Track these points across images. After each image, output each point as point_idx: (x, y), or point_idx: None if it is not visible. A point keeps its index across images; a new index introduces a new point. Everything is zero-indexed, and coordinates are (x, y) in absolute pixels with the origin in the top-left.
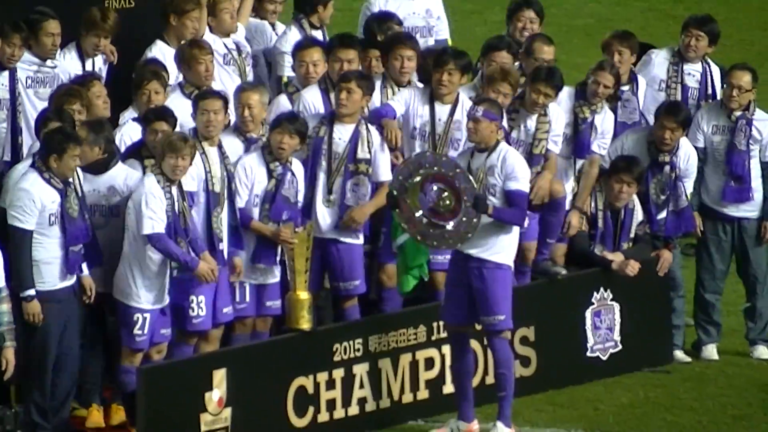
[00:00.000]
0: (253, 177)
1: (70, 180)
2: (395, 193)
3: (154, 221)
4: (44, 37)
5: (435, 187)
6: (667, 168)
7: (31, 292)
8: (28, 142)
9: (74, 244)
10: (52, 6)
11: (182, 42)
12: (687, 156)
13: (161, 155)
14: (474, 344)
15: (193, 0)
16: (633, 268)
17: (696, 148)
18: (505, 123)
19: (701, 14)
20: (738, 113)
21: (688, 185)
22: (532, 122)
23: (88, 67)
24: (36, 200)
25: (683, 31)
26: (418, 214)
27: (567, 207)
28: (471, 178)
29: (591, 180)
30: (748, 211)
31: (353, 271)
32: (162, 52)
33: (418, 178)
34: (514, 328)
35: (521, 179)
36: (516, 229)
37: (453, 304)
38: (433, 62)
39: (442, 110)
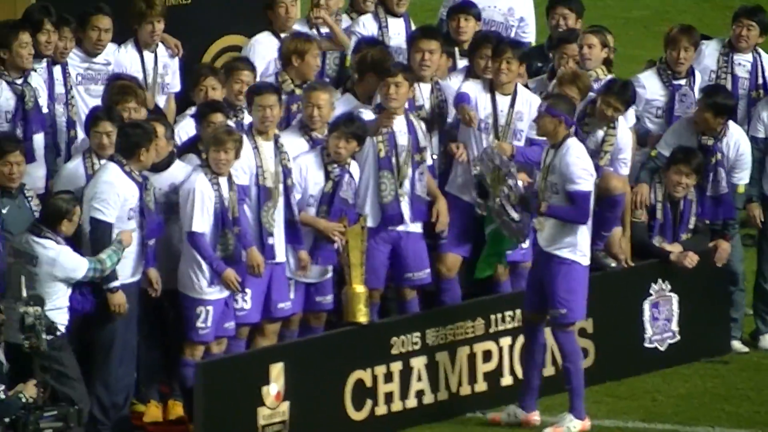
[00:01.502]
0: (308, 176)
1: (147, 175)
2: (482, 182)
3: (197, 219)
4: (90, 31)
5: (509, 182)
6: (710, 153)
7: (117, 283)
8: (81, 137)
9: (151, 238)
10: (109, 3)
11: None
12: (736, 145)
13: (207, 149)
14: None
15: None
16: (691, 259)
17: (757, 138)
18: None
19: (752, 5)
20: None
21: (740, 175)
22: (600, 132)
23: (148, 61)
24: (120, 193)
25: (734, 22)
26: (498, 203)
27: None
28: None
29: (632, 143)
30: None
31: (423, 260)
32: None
33: (496, 172)
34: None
35: (578, 180)
36: (584, 226)
37: (530, 291)
38: (492, 52)
39: (503, 101)
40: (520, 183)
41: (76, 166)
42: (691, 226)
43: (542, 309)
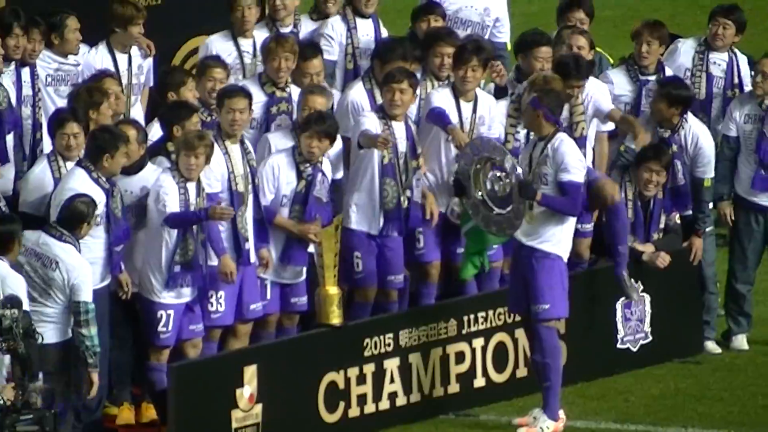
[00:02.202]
0: (281, 177)
1: (115, 180)
2: (460, 179)
3: (167, 210)
4: (69, 33)
5: (496, 174)
6: (666, 145)
7: None
8: (48, 140)
9: (118, 245)
10: (71, 5)
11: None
12: (695, 138)
13: (177, 153)
14: (503, 336)
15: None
16: (663, 259)
17: (729, 137)
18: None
19: (728, 3)
20: None
21: (703, 169)
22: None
23: (122, 63)
24: None
25: (710, 21)
26: (479, 197)
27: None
28: (517, 164)
29: (604, 157)
30: None
31: (402, 264)
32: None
33: (479, 165)
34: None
35: (572, 170)
36: (571, 222)
37: (512, 292)
38: (455, 58)
39: (466, 108)
40: (519, 170)
41: (42, 170)
42: (661, 225)
43: (526, 309)
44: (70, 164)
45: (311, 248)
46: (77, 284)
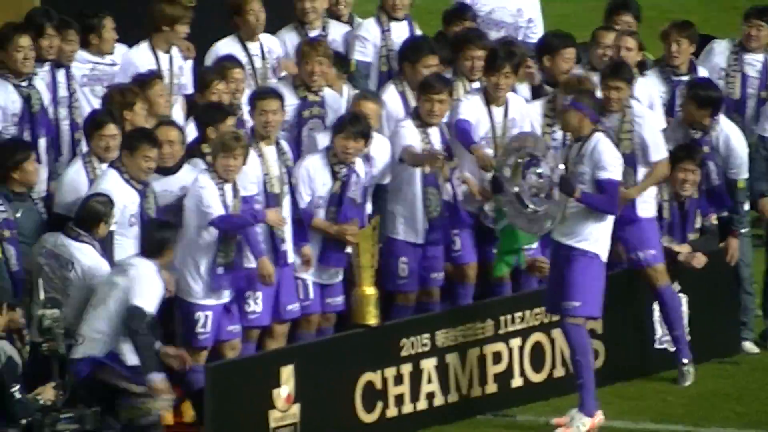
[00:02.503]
0: (315, 178)
1: (148, 180)
2: (498, 176)
3: (212, 211)
4: (107, 33)
5: (537, 170)
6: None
7: None
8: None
9: None
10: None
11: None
12: (726, 139)
13: (214, 154)
14: (540, 336)
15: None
16: (699, 260)
17: (765, 138)
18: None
19: (762, 5)
20: None
21: (736, 170)
22: (616, 120)
23: (164, 63)
24: (119, 201)
25: (745, 22)
26: (514, 191)
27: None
28: (559, 160)
29: (656, 179)
30: None
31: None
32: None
33: (519, 160)
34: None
35: (610, 168)
36: (609, 221)
37: (550, 292)
38: (487, 64)
39: (497, 112)
40: (561, 166)
41: (76, 171)
42: (697, 226)
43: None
44: (105, 166)
45: (348, 249)
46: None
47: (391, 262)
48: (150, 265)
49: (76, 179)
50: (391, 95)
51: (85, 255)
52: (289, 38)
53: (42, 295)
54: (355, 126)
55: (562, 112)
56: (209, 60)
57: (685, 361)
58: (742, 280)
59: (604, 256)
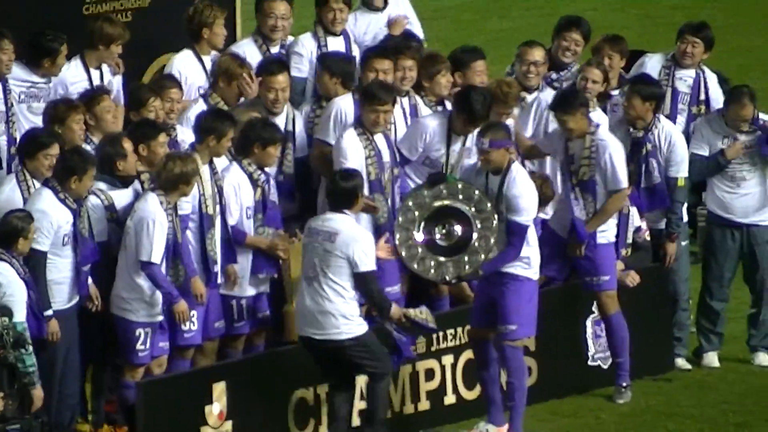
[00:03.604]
0: (241, 192)
1: (82, 199)
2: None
3: (152, 250)
4: (60, 59)
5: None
6: (641, 145)
7: (50, 312)
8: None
9: (85, 264)
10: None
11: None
12: (668, 136)
13: (171, 182)
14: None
15: (217, 9)
16: (633, 278)
17: (694, 155)
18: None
19: (696, 21)
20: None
21: (677, 167)
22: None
23: (95, 79)
24: (53, 221)
25: (679, 38)
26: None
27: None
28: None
29: (610, 213)
30: (760, 218)
31: (396, 276)
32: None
33: (433, 205)
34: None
35: (523, 212)
36: (534, 242)
37: (477, 307)
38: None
39: (456, 141)
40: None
41: (11, 189)
42: (629, 241)
43: (490, 325)
44: (38, 186)
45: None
46: (6, 303)
47: None
48: (350, 219)
49: (10, 197)
50: (346, 101)
51: (0, 274)
52: (249, 51)
53: None
54: (270, 133)
55: (486, 155)
56: (168, 70)
57: (624, 384)
58: (679, 295)
59: (535, 276)
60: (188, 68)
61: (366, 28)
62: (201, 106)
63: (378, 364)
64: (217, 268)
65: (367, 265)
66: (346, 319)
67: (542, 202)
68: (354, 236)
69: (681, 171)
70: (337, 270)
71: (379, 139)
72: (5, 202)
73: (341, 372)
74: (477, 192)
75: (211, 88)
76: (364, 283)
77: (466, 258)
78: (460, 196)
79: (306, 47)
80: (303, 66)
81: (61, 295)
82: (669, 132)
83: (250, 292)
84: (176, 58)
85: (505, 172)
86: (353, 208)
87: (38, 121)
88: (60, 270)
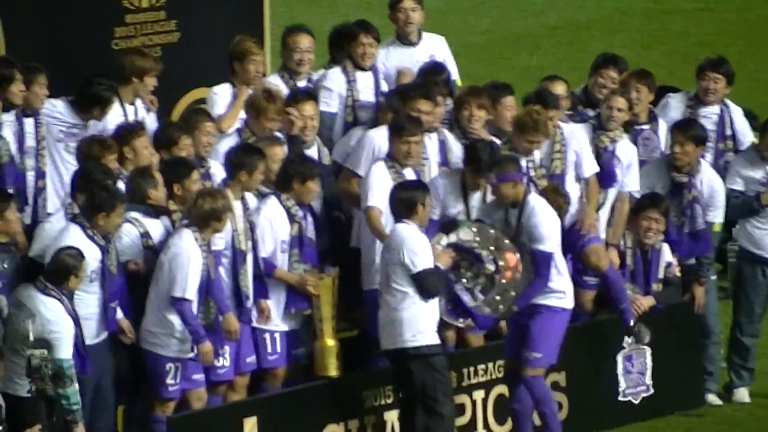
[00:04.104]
0: (276, 226)
1: (111, 236)
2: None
3: (187, 286)
4: (108, 109)
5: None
6: (685, 190)
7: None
8: (53, 191)
9: (113, 301)
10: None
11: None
12: (710, 182)
13: (202, 219)
14: (504, 389)
15: (252, 44)
16: (639, 305)
17: (735, 192)
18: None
19: (715, 57)
20: None
21: (715, 213)
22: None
23: (130, 114)
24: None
25: (699, 75)
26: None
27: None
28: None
29: (624, 217)
30: None
31: None
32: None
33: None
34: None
35: (545, 240)
36: (564, 271)
37: (511, 338)
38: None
39: (472, 196)
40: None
41: (58, 220)
42: (660, 276)
43: (518, 356)
44: (66, 223)
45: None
46: (52, 339)
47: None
48: (409, 227)
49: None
50: (383, 136)
51: (47, 309)
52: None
53: (31, 336)
54: (309, 169)
55: (496, 189)
56: (209, 103)
57: (632, 322)
58: (709, 329)
59: (570, 305)
60: (224, 101)
61: (398, 62)
62: (230, 141)
63: (440, 398)
64: (250, 303)
65: (419, 264)
66: (411, 326)
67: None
68: (402, 239)
69: (718, 216)
70: (397, 277)
71: (408, 173)
72: (53, 232)
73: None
74: (492, 231)
75: (245, 123)
76: (422, 282)
77: (497, 297)
78: (477, 238)
79: (335, 82)
80: (332, 101)
81: (89, 331)
82: (711, 178)
83: (283, 327)
84: (215, 89)
85: (522, 204)
86: (413, 218)
87: (74, 160)
88: (87, 306)
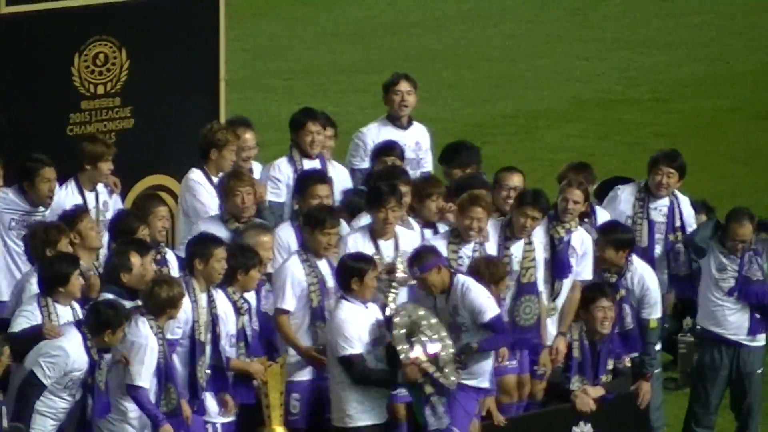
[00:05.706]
0: (228, 319)
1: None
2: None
3: (142, 374)
4: (41, 183)
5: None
6: (614, 290)
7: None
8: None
9: (100, 417)
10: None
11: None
12: (641, 280)
13: (159, 307)
14: None
15: (231, 132)
16: (588, 394)
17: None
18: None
19: (668, 150)
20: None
21: (649, 310)
22: (519, 250)
23: (90, 201)
24: (68, 363)
25: (652, 169)
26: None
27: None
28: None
29: (574, 306)
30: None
31: None
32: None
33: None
34: None
35: (488, 307)
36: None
37: None
38: (371, 202)
39: (386, 246)
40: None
41: (33, 308)
42: (609, 367)
43: None
44: (59, 306)
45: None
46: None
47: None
48: (349, 308)
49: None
50: (286, 230)
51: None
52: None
53: (5, 423)
54: (250, 258)
55: (423, 282)
56: (262, 175)
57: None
58: (651, 423)
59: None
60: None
61: None
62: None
63: None
64: (204, 395)
65: (347, 349)
66: (340, 408)
67: (496, 281)
68: (339, 321)
69: (654, 313)
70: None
71: (322, 264)
72: (27, 314)
73: None
74: (434, 319)
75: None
76: (347, 366)
77: (446, 370)
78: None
79: (282, 172)
80: (280, 191)
81: (45, 426)
82: (642, 275)
83: (227, 417)
84: (190, 176)
85: (450, 286)
86: (353, 294)
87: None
88: (47, 406)
